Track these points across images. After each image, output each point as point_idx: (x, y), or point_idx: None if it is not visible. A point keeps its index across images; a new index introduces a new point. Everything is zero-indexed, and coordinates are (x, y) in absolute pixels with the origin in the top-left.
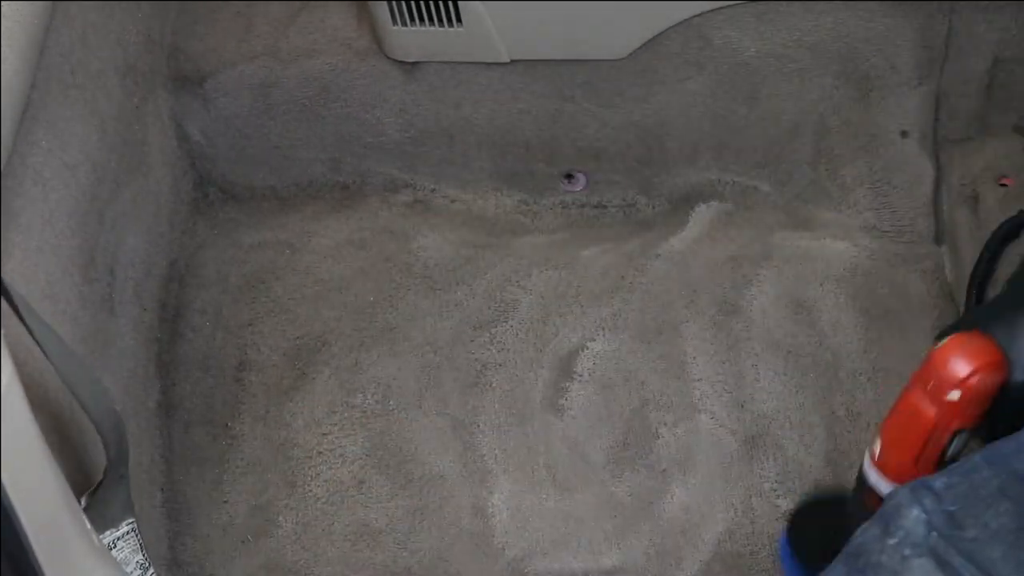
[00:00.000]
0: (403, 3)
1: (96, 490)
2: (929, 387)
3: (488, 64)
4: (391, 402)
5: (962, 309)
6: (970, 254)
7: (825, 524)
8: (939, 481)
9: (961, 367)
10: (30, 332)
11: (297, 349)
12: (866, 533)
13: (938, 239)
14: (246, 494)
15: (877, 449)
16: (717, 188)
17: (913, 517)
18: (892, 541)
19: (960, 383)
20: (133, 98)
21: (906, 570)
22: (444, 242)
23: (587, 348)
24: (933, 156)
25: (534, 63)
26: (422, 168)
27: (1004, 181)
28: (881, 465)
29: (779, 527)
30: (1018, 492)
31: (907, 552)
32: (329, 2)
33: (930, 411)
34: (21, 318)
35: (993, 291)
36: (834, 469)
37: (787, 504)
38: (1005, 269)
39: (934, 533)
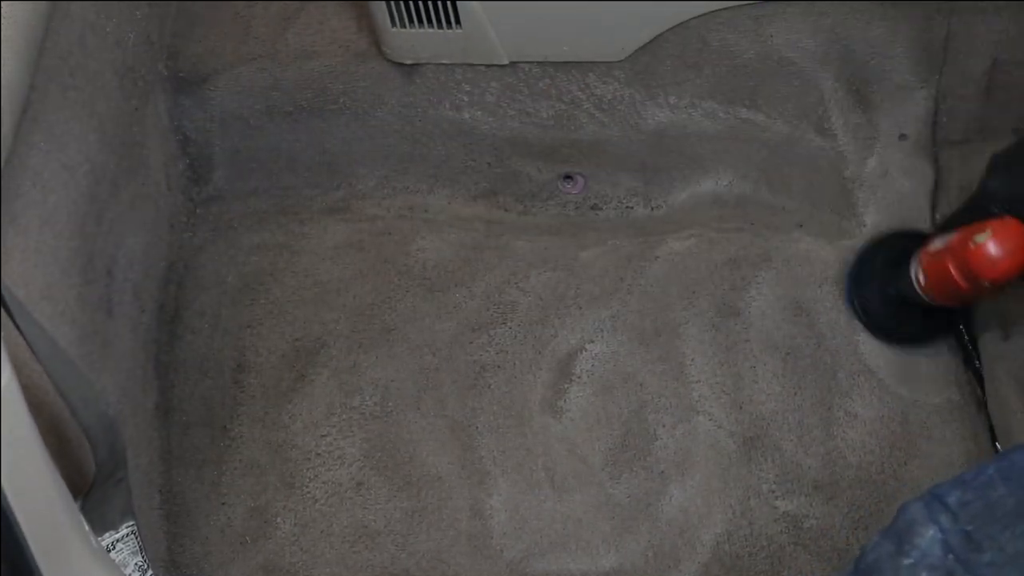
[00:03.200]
0: (402, 5)
1: (88, 493)
2: (966, 272)
3: (487, 66)
4: (389, 404)
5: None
6: None
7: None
8: (953, 496)
9: (999, 264)
10: (23, 335)
11: (296, 351)
12: (879, 549)
13: None
14: (245, 496)
15: (922, 281)
16: (716, 190)
17: (929, 536)
18: (907, 561)
19: (995, 276)
20: (132, 100)
21: None
22: (442, 244)
23: (586, 350)
24: (932, 158)
25: (533, 65)
26: (421, 170)
27: None
28: (927, 292)
29: (777, 528)
30: None
31: (924, 575)
32: (328, 4)
33: (964, 284)
34: (14, 320)
35: None
36: (833, 471)
37: (785, 505)
38: None
39: (951, 555)
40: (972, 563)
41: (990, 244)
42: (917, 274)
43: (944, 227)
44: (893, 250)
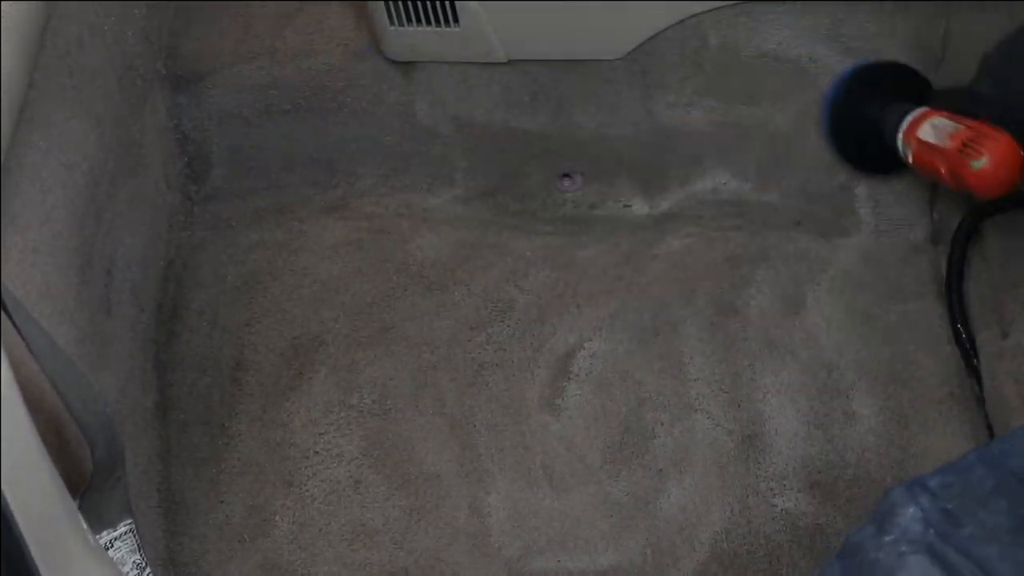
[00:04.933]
0: (400, 3)
1: (86, 491)
2: (959, 182)
3: (485, 64)
4: (388, 402)
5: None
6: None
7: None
8: (935, 480)
9: (996, 187)
10: (21, 334)
11: (294, 349)
12: (861, 532)
13: (935, 239)
14: (243, 494)
15: (908, 158)
16: (714, 188)
17: (910, 515)
18: (888, 538)
19: (992, 195)
20: (130, 98)
21: (903, 567)
22: (441, 242)
23: (584, 348)
24: None
25: (531, 63)
26: (419, 168)
27: None
28: (910, 164)
29: (776, 527)
30: (1013, 490)
31: (904, 549)
32: (327, 3)
33: (952, 186)
34: (12, 319)
35: (966, 290)
36: (831, 469)
37: (783, 503)
38: (975, 268)
39: (931, 530)
40: (952, 536)
41: (987, 170)
42: (905, 150)
43: (935, 100)
44: (877, 82)
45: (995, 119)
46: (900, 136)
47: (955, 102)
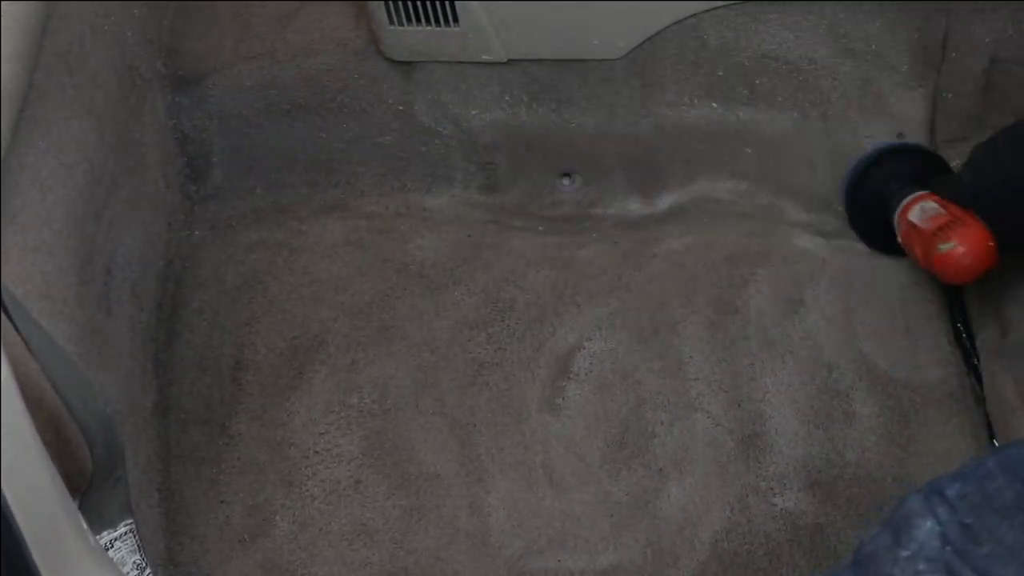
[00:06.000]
0: (400, 3)
1: (86, 491)
2: (929, 265)
3: (485, 64)
4: (388, 402)
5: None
6: None
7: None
8: (952, 489)
9: (961, 273)
10: (20, 333)
11: (294, 349)
12: (877, 541)
13: None
14: (243, 494)
15: (899, 237)
16: (714, 188)
17: (927, 529)
18: (905, 553)
19: (956, 281)
20: (130, 98)
21: None
22: (441, 242)
23: (584, 348)
24: None
25: (531, 63)
26: (419, 168)
27: None
28: (901, 244)
29: (776, 526)
30: None
31: (921, 567)
32: (326, 2)
33: (927, 269)
34: (11, 319)
35: (966, 289)
36: (831, 468)
37: (783, 503)
38: None
39: (948, 547)
40: (970, 555)
41: (955, 253)
42: (897, 228)
43: (933, 186)
44: (895, 166)
45: (978, 210)
46: (896, 215)
47: (949, 189)
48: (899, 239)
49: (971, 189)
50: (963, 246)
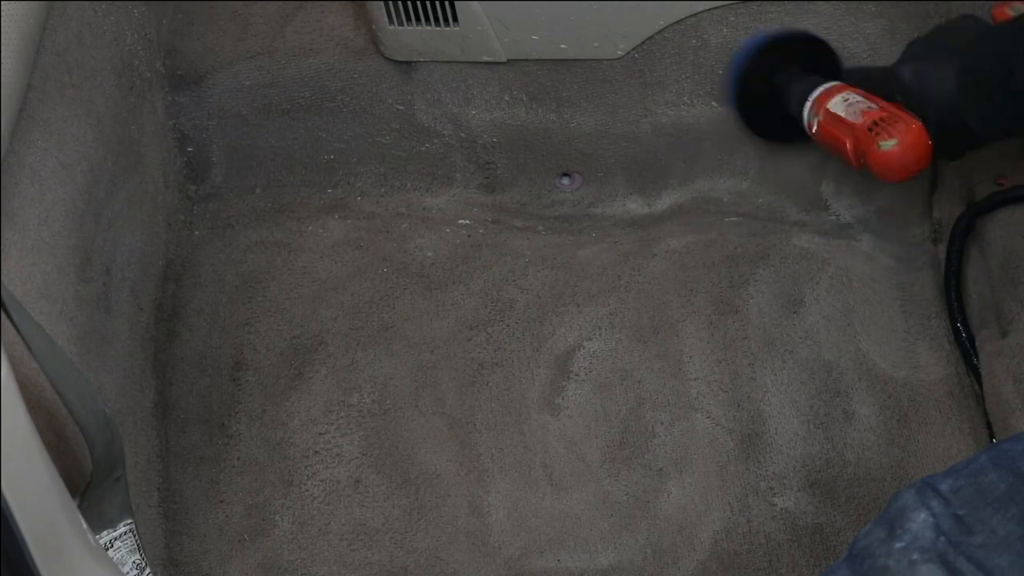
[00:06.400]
0: (399, 3)
1: (86, 491)
2: (861, 160)
3: (484, 63)
4: (388, 401)
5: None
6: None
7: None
8: (945, 483)
9: (897, 172)
10: (20, 333)
11: (294, 348)
12: (871, 535)
13: (935, 239)
14: (243, 493)
15: (813, 128)
16: (713, 187)
17: (921, 520)
18: (899, 545)
19: (891, 180)
20: (129, 98)
21: (914, 575)
22: (440, 242)
23: (584, 347)
24: None
25: (530, 63)
26: (419, 168)
27: (1001, 181)
28: (813, 136)
29: (776, 526)
30: None
31: (915, 557)
32: (326, 2)
33: (854, 164)
34: (11, 318)
35: (965, 288)
36: (831, 468)
37: (783, 502)
38: (974, 266)
39: (942, 538)
40: (964, 545)
41: (894, 152)
42: (811, 119)
43: (849, 77)
44: (787, 51)
45: (908, 105)
46: (809, 105)
47: (871, 82)
48: (811, 130)
49: (909, 84)
50: (904, 144)
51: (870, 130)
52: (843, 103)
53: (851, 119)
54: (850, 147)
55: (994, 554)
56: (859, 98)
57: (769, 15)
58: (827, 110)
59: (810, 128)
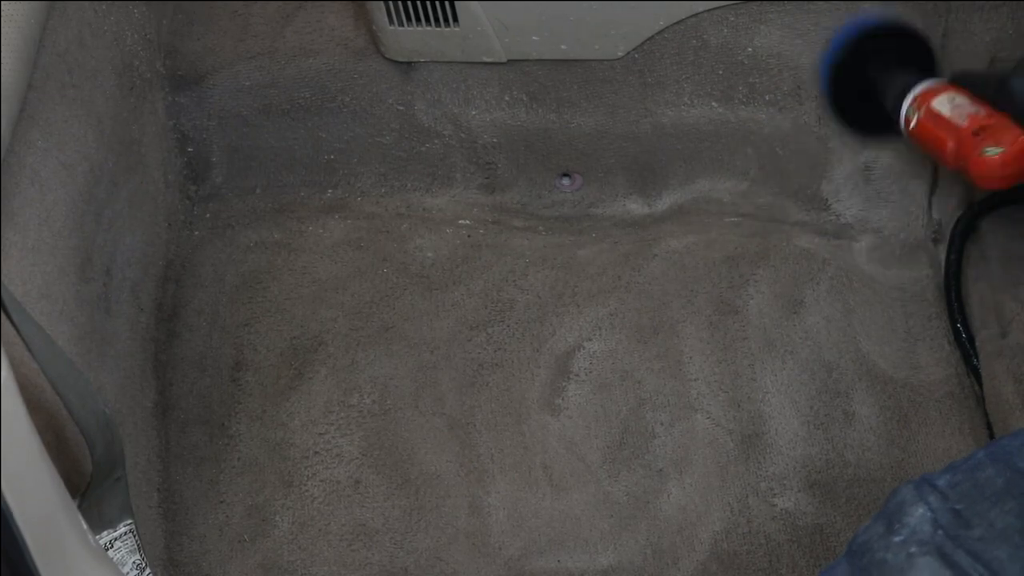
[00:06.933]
0: (400, 3)
1: (86, 492)
2: (961, 164)
3: (485, 64)
4: (388, 402)
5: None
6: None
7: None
8: (943, 479)
9: (997, 180)
10: (20, 333)
11: (294, 349)
12: (869, 530)
13: (935, 239)
14: (243, 494)
15: (911, 124)
16: (713, 188)
17: (919, 515)
18: (897, 539)
19: (990, 187)
20: (130, 98)
21: (912, 568)
22: (441, 242)
23: (584, 348)
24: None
25: (531, 63)
26: (419, 168)
27: None
28: (908, 134)
29: (776, 527)
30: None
31: (913, 550)
32: (326, 2)
33: (952, 165)
34: (11, 318)
35: (965, 288)
36: (831, 468)
37: (783, 503)
38: (974, 267)
39: (940, 531)
40: (961, 538)
41: (999, 161)
42: (910, 114)
43: (958, 79)
44: (887, 45)
45: (1016, 117)
46: (909, 100)
47: (979, 87)
48: (907, 125)
49: (1017, 97)
50: (1009, 153)
51: (976, 134)
52: (949, 103)
53: (956, 120)
54: (950, 149)
55: (992, 547)
56: (966, 100)
57: (769, 15)
58: (930, 108)
59: (907, 123)
